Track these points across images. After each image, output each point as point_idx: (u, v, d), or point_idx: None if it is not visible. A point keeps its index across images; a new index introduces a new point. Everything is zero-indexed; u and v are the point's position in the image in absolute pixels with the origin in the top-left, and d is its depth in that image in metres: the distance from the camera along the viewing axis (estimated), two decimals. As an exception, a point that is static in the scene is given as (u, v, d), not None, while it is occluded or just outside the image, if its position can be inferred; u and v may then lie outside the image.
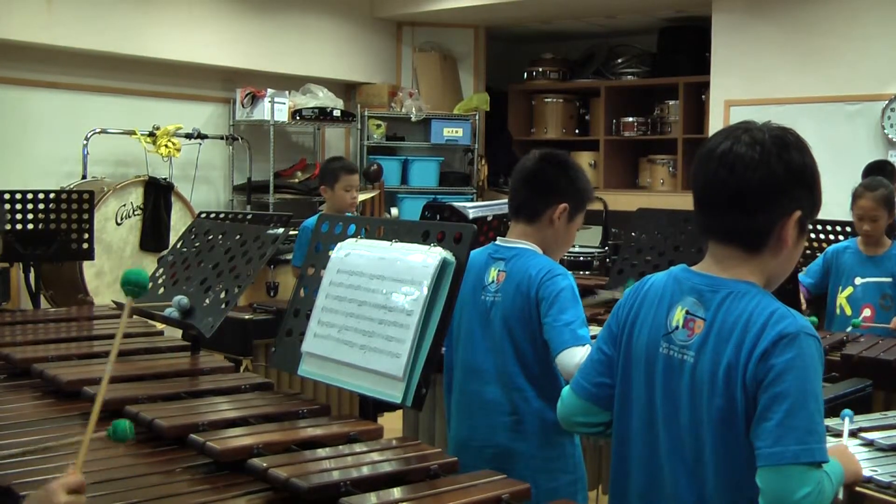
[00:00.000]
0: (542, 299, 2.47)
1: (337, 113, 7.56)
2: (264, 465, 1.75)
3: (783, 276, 1.77)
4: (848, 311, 4.08)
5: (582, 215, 2.65)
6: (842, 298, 4.13)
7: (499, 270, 2.56)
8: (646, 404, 1.77)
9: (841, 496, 1.68)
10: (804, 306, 4.12)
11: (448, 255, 2.03)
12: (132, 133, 6.52)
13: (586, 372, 1.91)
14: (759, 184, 1.65)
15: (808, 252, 4.54)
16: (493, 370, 2.53)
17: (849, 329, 3.76)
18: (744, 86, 7.10)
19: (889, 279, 4.07)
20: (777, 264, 1.72)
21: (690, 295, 1.73)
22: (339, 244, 2.28)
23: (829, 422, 2.20)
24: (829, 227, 4.63)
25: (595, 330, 3.35)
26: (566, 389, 1.96)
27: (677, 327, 1.72)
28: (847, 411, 2.16)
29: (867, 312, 4.05)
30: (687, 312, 1.72)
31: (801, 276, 4.20)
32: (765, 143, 1.67)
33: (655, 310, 1.77)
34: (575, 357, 2.39)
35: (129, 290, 1.66)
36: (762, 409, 1.58)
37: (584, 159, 8.66)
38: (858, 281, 4.11)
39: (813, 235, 4.65)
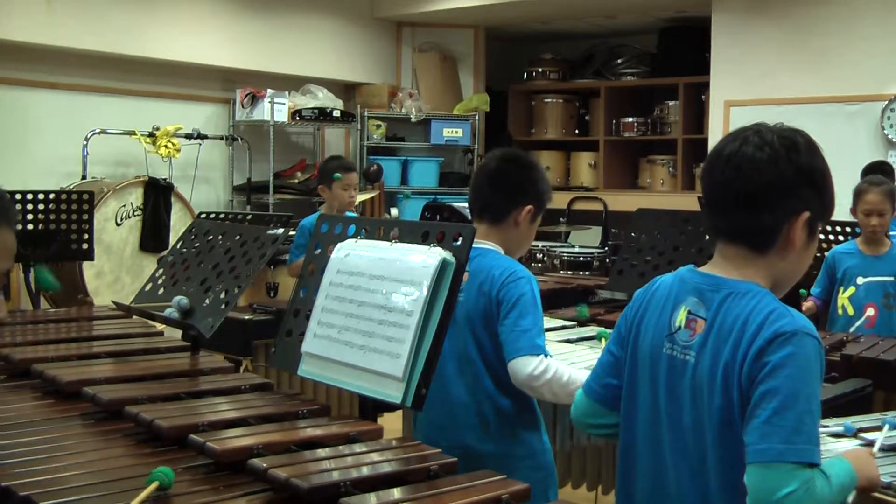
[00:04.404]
0: (502, 300, 2.46)
1: (337, 113, 7.56)
2: (264, 465, 1.75)
3: (793, 280, 1.76)
4: (850, 312, 4.07)
5: (541, 216, 2.66)
6: (844, 299, 4.12)
7: None
8: (650, 405, 1.77)
9: (851, 499, 1.66)
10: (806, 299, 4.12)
11: (448, 255, 2.03)
12: (132, 133, 6.53)
13: (596, 373, 1.92)
14: (766, 184, 1.65)
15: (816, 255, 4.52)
16: (459, 371, 2.52)
17: (852, 329, 3.77)
18: (744, 86, 7.10)
19: (891, 278, 4.07)
20: (785, 266, 1.71)
21: (693, 295, 1.73)
22: (338, 244, 2.28)
23: (829, 422, 2.21)
24: (828, 228, 4.62)
25: (564, 333, 3.38)
26: (579, 392, 1.96)
27: (680, 327, 1.73)
28: (890, 420, 2.07)
29: (871, 312, 4.05)
30: (689, 312, 1.72)
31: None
32: (773, 144, 1.67)
33: (661, 310, 1.78)
34: (528, 367, 2.36)
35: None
36: (753, 404, 1.58)
37: (584, 159, 8.67)
38: (861, 280, 4.10)
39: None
